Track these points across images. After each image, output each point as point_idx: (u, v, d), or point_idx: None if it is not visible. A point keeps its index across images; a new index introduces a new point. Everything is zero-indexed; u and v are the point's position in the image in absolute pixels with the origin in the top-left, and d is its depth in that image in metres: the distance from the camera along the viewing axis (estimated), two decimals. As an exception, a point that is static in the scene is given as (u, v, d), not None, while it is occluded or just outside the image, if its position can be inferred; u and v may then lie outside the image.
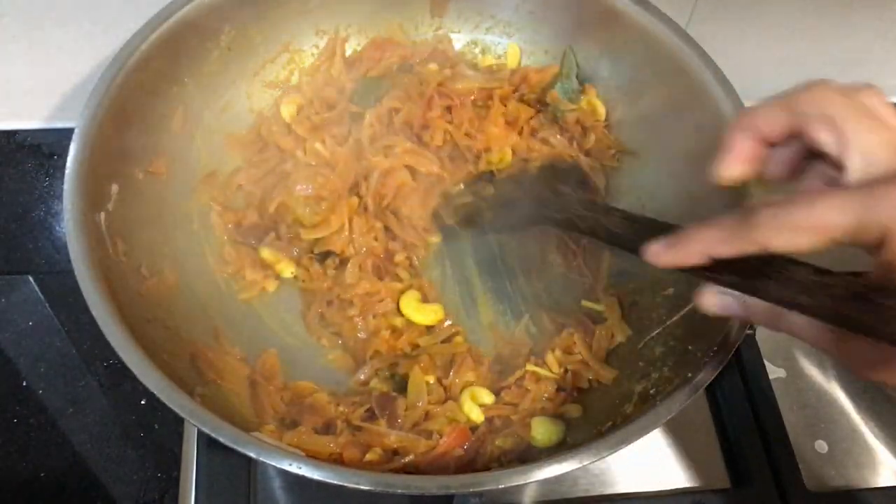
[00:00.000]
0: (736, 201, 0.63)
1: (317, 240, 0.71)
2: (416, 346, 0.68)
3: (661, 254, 0.44)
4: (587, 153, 0.76)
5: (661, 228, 0.47)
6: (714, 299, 0.45)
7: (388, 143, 0.72)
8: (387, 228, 0.71)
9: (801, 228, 0.36)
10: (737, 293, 0.44)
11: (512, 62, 0.80)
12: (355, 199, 0.72)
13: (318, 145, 0.73)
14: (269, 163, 0.74)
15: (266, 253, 0.70)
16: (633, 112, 0.76)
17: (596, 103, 0.77)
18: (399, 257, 0.71)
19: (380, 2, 0.78)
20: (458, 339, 0.68)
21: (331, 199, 0.71)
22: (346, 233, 0.70)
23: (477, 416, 0.63)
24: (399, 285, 0.70)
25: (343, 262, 0.70)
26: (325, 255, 0.71)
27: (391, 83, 0.76)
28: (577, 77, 0.78)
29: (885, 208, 0.35)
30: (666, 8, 0.70)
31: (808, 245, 0.37)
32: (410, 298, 0.69)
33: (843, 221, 0.35)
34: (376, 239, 0.71)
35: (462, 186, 0.72)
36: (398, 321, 0.68)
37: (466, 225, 0.72)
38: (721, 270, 0.41)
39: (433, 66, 0.77)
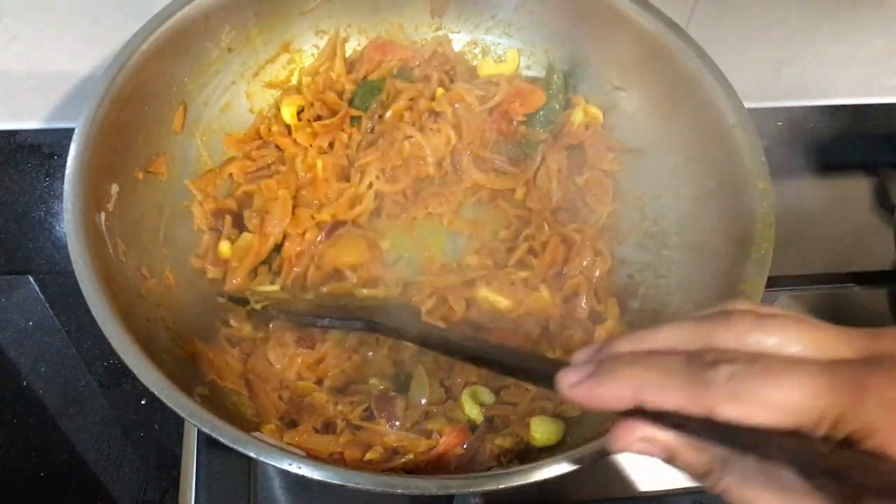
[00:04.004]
0: (737, 202, 0.63)
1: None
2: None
3: (576, 387, 0.37)
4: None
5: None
6: (628, 442, 0.37)
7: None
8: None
9: (760, 403, 0.31)
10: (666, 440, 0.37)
11: (511, 67, 0.80)
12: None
13: (319, 163, 0.74)
14: (266, 159, 0.75)
15: (224, 246, 0.71)
16: (632, 112, 0.76)
17: (590, 110, 0.77)
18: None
19: (380, 2, 0.78)
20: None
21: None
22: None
23: (477, 415, 0.63)
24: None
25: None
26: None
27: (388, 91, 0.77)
28: (563, 95, 0.78)
29: (873, 403, 0.30)
30: (666, 8, 0.70)
31: (766, 422, 0.31)
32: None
33: (816, 406, 0.30)
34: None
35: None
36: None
37: None
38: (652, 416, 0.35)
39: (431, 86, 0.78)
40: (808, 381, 0.31)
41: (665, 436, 0.36)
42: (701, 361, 0.33)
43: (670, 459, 0.37)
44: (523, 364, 0.48)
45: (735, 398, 0.31)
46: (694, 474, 0.37)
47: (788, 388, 0.31)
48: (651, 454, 0.37)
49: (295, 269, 0.70)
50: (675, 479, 0.69)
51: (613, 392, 0.35)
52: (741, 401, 0.31)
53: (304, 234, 0.72)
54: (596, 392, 0.36)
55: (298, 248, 0.71)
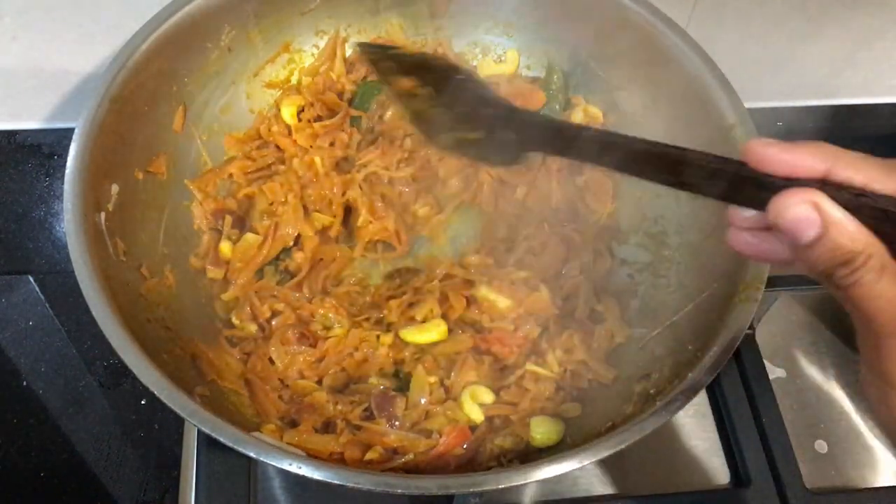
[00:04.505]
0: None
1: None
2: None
3: (770, 147, 0.38)
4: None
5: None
6: (796, 201, 0.37)
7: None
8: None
9: None
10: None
11: (510, 67, 0.80)
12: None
13: (316, 159, 0.74)
14: (266, 159, 0.75)
15: (225, 246, 0.71)
16: (632, 112, 0.76)
17: (590, 109, 0.77)
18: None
19: (380, 2, 0.78)
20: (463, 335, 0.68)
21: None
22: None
23: (477, 415, 0.63)
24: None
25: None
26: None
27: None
28: (563, 95, 0.78)
29: None
30: (666, 8, 0.70)
31: None
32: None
33: None
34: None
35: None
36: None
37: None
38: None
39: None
40: None
41: (832, 207, 0.36)
42: (892, 163, 0.36)
43: (818, 238, 0.36)
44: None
45: None
46: (832, 260, 0.36)
47: None
48: (806, 225, 0.36)
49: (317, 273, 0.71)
50: (676, 480, 0.69)
51: (809, 157, 0.37)
52: None
53: (319, 231, 0.72)
54: (790, 153, 0.37)
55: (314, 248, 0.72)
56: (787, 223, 0.37)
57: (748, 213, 0.41)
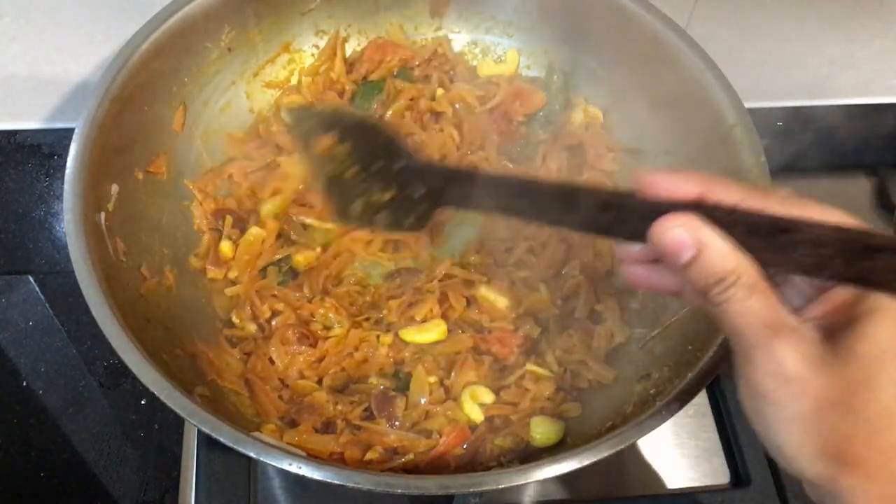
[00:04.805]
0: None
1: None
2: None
3: (650, 174, 0.41)
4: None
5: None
6: (673, 224, 0.40)
7: None
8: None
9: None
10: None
11: (510, 67, 0.80)
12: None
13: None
14: (266, 158, 0.75)
15: (225, 246, 0.71)
16: (632, 112, 0.76)
17: (590, 109, 0.77)
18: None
19: (380, 2, 0.78)
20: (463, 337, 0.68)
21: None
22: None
23: (477, 415, 0.63)
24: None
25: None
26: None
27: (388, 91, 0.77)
28: (563, 95, 0.79)
29: None
30: (666, 8, 0.70)
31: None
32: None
33: None
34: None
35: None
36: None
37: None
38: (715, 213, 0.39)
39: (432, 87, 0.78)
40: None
41: (706, 230, 0.39)
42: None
43: (694, 259, 0.39)
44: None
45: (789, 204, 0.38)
46: (707, 279, 0.39)
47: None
48: (682, 247, 0.39)
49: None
50: (676, 480, 0.69)
51: (684, 182, 0.40)
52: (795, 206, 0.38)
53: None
54: (669, 180, 0.41)
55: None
56: (665, 246, 0.39)
57: (636, 248, 0.44)
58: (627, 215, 0.43)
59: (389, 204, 0.56)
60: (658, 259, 0.43)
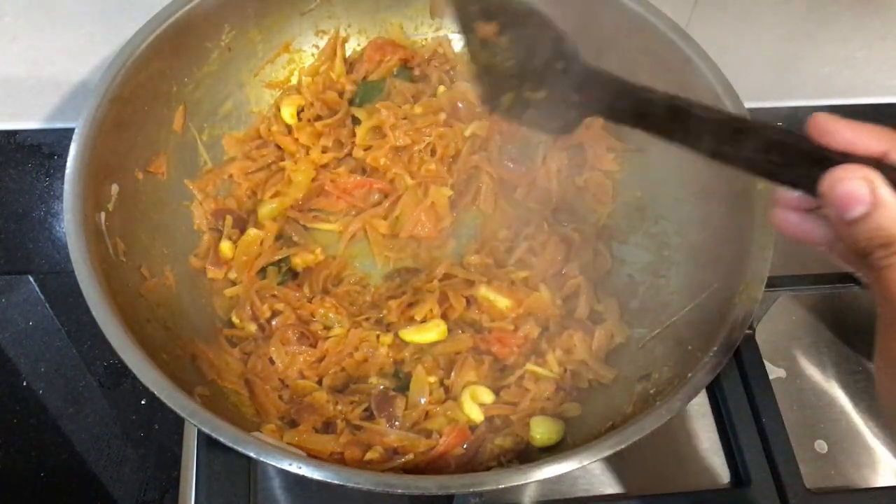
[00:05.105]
0: (737, 202, 0.63)
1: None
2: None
3: (835, 121, 0.39)
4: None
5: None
6: (850, 175, 0.38)
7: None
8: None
9: None
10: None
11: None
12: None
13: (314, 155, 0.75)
14: (267, 158, 0.75)
15: (225, 246, 0.71)
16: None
17: None
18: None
19: (380, 2, 0.78)
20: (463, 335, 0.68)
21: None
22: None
23: (477, 415, 0.63)
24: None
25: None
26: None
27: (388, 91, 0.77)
28: None
29: None
30: (666, 8, 0.70)
31: None
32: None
33: None
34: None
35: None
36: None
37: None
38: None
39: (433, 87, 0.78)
40: None
41: (885, 188, 0.37)
42: None
43: (864, 216, 0.37)
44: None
45: None
46: (873, 240, 0.37)
47: None
48: (856, 200, 0.37)
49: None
50: (676, 480, 0.69)
51: (868, 137, 0.38)
52: None
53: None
54: (851, 130, 0.38)
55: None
56: (837, 196, 0.37)
57: (794, 194, 0.42)
58: (796, 158, 0.40)
59: (541, 102, 0.54)
60: (815, 208, 0.41)
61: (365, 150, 0.75)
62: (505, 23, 0.55)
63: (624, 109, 0.49)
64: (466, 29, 0.57)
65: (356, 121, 0.76)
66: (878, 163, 0.38)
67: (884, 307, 0.38)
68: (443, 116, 0.75)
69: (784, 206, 0.44)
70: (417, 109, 0.75)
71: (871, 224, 0.37)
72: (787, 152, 0.40)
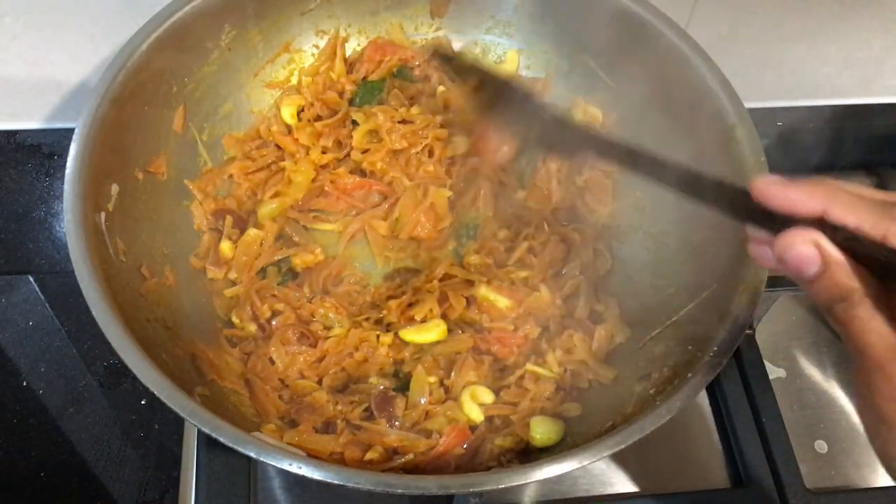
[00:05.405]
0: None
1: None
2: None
3: (773, 185, 0.41)
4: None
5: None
6: (799, 241, 0.40)
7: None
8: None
9: None
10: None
11: (510, 67, 0.80)
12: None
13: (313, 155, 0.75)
14: (267, 158, 0.75)
15: (225, 246, 0.71)
16: (632, 112, 0.75)
17: (590, 109, 0.77)
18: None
19: (380, 2, 0.78)
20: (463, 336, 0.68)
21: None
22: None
23: (477, 415, 0.63)
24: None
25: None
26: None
27: (388, 91, 0.77)
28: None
29: None
30: (666, 8, 0.70)
31: None
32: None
33: None
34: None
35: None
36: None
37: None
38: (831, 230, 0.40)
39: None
40: None
41: (831, 247, 0.39)
42: (886, 203, 0.39)
43: (818, 275, 0.40)
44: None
45: None
46: (831, 296, 0.40)
47: None
48: (807, 263, 0.40)
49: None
50: (676, 480, 0.69)
51: (807, 198, 0.40)
52: None
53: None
54: (791, 194, 0.40)
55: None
56: (791, 260, 0.40)
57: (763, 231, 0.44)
58: (749, 214, 0.43)
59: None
60: None
61: (362, 152, 0.75)
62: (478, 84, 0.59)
63: (580, 153, 0.54)
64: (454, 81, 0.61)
65: (356, 122, 0.77)
66: (820, 222, 0.40)
67: (856, 359, 0.40)
68: (440, 119, 0.75)
69: (756, 242, 0.46)
70: (415, 111, 0.75)
71: (828, 281, 0.39)
72: (739, 206, 0.44)
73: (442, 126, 0.75)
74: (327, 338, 0.67)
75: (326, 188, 0.75)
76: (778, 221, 0.41)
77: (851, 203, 0.40)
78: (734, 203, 0.44)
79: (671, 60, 0.69)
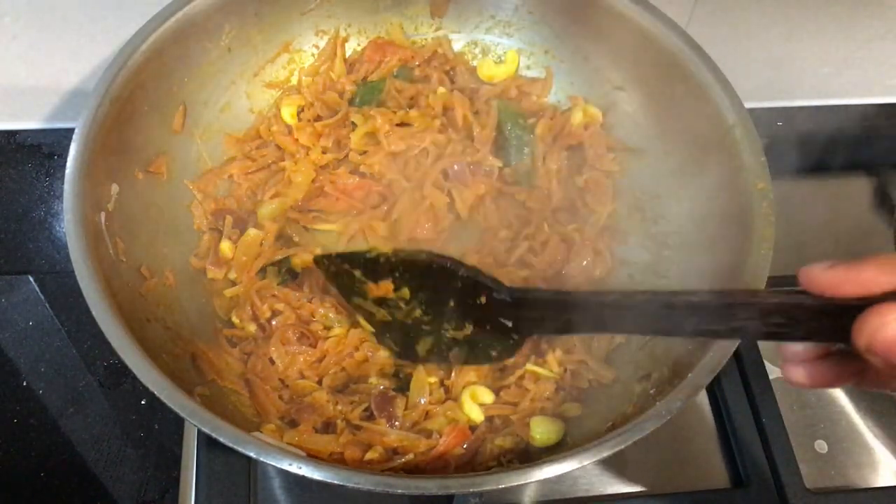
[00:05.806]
0: (737, 202, 0.63)
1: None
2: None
3: (831, 270, 0.37)
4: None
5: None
6: (885, 321, 0.35)
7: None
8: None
9: None
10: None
11: (510, 67, 0.80)
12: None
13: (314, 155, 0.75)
14: (267, 158, 0.75)
15: (225, 246, 0.71)
16: (632, 112, 0.76)
17: (589, 110, 0.77)
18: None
19: (380, 2, 0.78)
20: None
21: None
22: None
23: (477, 415, 0.63)
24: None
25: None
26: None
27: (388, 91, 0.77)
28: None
29: None
30: (666, 8, 0.70)
31: None
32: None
33: None
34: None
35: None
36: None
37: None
38: None
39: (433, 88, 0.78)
40: None
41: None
42: None
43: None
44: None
45: None
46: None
47: None
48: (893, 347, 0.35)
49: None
50: (676, 480, 0.69)
51: (878, 273, 0.36)
52: None
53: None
54: (853, 273, 0.36)
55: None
56: (882, 342, 0.35)
57: (800, 347, 0.41)
58: (803, 316, 0.39)
59: (470, 339, 0.53)
60: (825, 355, 0.40)
61: (361, 154, 0.75)
62: (399, 279, 0.54)
63: (573, 320, 0.48)
64: (350, 295, 0.55)
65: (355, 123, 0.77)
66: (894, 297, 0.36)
67: None
68: (438, 122, 0.75)
69: (792, 362, 0.42)
70: (413, 115, 0.75)
71: None
72: (790, 314, 0.39)
73: (440, 130, 0.75)
74: (327, 338, 0.67)
75: (326, 188, 0.74)
76: (838, 318, 0.36)
77: None
78: (775, 312, 0.39)
79: (671, 60, 0.69)
